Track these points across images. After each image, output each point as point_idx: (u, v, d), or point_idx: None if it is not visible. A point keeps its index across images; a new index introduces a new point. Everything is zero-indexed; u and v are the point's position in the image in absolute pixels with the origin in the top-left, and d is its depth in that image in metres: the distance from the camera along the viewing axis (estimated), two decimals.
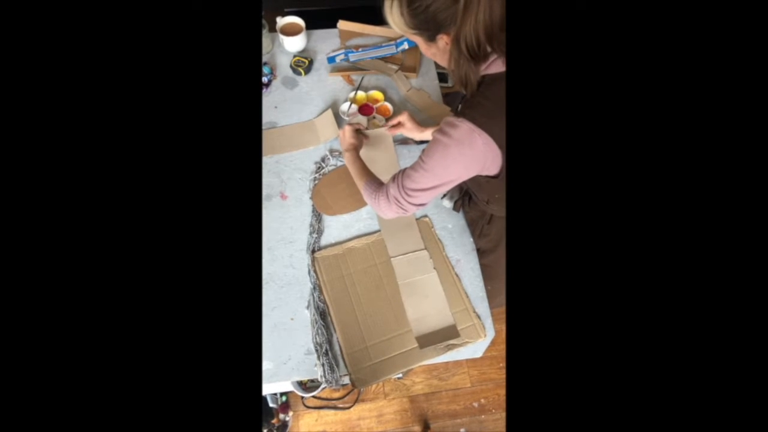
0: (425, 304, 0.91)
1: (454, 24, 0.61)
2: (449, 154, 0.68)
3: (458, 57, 0.64)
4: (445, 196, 1.04)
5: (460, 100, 1.27)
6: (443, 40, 0.65)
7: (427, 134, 1.02)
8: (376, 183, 0.86)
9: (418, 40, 0.69)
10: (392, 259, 0.95)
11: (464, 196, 0.98)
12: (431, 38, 0.66)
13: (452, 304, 0.92)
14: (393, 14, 0.66)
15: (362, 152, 1.07)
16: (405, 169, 0.78)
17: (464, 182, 0.77)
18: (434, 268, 0.94)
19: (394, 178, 0.80)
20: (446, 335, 0.88)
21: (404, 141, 1.11)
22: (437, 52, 0.69)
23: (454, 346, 0.88)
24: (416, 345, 0.87)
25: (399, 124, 1.03)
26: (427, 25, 0.64)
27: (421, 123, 1.04)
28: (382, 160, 1.07)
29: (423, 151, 0.73)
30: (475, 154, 0.67)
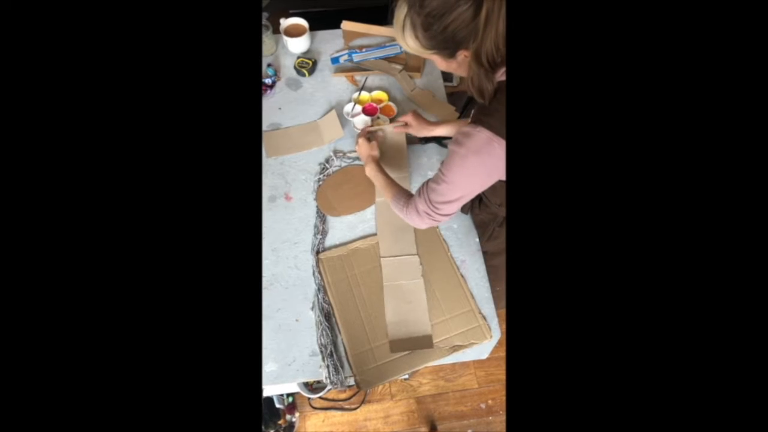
0: (406, 309, 0.90)
1: (475, 39, 0.61)
2: (469, 165, 0.68)
3: (477, 69, 0.64)
4: None
5: (466, 102, 1.27)
6: (462, 55, 0.65)
7: (434, 130, 1.01)
8: (404, 197, 0.85)
9: (435, 59, 0.68)
10: (382, 259, 0.95)
11: (474, 198, 0.97)
12: (451, 55, 0.66)
13: (458, 305, 0.91)
14: (406, 39, 0.66)
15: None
16: (428, 182, 0.77)
17: None
18: (422, 276, 0.94)
19: (419, 192, 0.79)
20: (420, 344, 0.87)
21: (410, 141, 1.10)
22: (456, 66, 0.68)
23: (460, 347, 0.87)
24: (420, 347, 0.87)
25: (405, 125, 1.02)
26: (446, 44, 0.63)
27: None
28: (392, 157, 1.07)
29: (442, 162, 0.73)
30: (495, 161, 0.66)
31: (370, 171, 0.95)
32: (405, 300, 0.91)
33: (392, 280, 0.93)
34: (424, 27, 0.62)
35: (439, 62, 0.69)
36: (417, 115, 1.01)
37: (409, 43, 0.66)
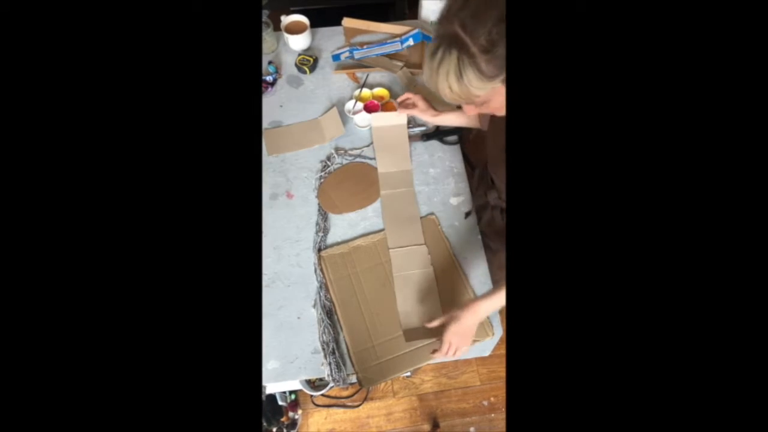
0: (417, 297, 0.91)
1: None
2: None
3: None
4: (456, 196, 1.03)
5: None
6: None
7: (441, 119, 0.99)
8: None
9: (500, 91, 0.60)
10: (391, 250, 0.95)
11: (497, 208, 0.94)
12: None
13: (460, 302, 0.91)
14: (470, 83, 0.58)
15: (376, 138, 1.04)
16: None
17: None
18: (431, 265, 0.94)
19: None
20: (434, 332, 0.86)
21: (412, 138, 1.10)
22: None
23: None
24: (423, 344, 0.87)
25: (411, 104, 1.00)
26: None
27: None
28: (394, 152, 1.06)
29: None
30: None
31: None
32: (416, 289, 0.92)
33: (402, 270, 0.94)
34: (486, 51, 0.55)
35: (501, 93, 0.60)
36: (424, 98, 0.99)
37: (474, 84, 0.58)
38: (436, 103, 0.99)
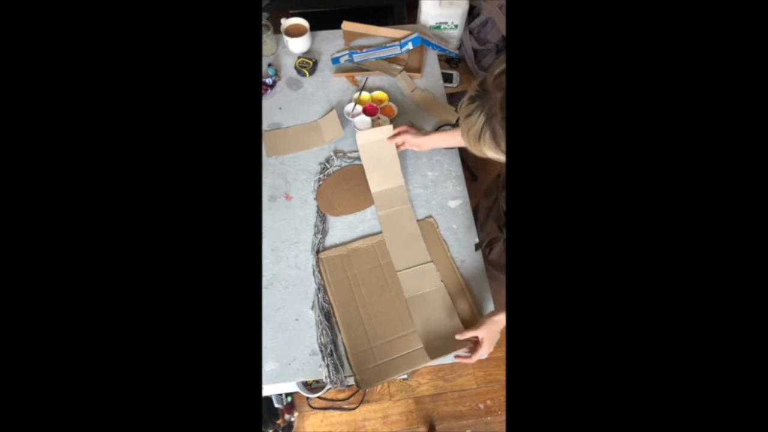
0: (434, 316, 0.90)
1: None
2: None
3: None
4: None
5: None
6: None
7: (433, 143, 1.00)
8: None
9: None
10: (399, 273, 0.94)
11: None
12: None
13: (457, 304, 0.91)
14: (483, 148, 0.62)
15: (365, 157, 1.03)
16: None
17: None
18: (442, 281, 0.93)
19: None
20: (457, 345, 0.86)
21: None
22: None
23: None
24: (421, 346, 0.87)
25: (403, 144, 1.01)
26: None
27: (423, 122, 1.01)
28: (385, 168, 1.05)
29: None
30: None
31: None
32: (432, 308, 0.91)
33: (414, 291, 0.92)
34: None
35: None
36: (410, 130, 1.00)
37: (487, 153, 0.62)
38: (426, 117, 0.96)
